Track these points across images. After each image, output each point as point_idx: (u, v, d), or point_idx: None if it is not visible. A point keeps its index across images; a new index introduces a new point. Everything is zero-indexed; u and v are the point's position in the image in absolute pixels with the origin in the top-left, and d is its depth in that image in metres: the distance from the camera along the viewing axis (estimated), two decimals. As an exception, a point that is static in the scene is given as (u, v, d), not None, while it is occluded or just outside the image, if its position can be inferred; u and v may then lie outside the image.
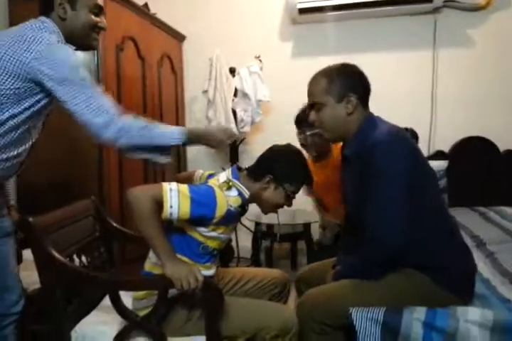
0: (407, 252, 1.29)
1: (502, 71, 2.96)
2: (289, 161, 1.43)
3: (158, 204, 1.22)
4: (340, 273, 1.45)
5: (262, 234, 2.93)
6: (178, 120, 3.32)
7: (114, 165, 2.40)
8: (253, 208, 3.32)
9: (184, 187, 1.27)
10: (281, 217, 2.90)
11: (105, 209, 2.15)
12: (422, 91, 3.06)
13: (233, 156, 3.26)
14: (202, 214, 1.28)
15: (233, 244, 3.14)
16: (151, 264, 1.40)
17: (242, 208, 1.42)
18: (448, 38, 3.01)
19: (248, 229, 3.22)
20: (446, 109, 3.05)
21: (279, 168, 1.40)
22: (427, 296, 1.30)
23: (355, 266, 1.39)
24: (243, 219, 3.21)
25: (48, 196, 2.31)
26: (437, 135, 3.06)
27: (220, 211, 1.29)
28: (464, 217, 2.47)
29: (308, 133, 2.06)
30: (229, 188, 1.35)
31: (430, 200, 1.36)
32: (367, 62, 3.07)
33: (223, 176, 1.41)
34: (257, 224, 2.94)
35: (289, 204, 1.47)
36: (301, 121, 2.10)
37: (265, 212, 1.54)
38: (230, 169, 1.45)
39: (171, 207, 1.23)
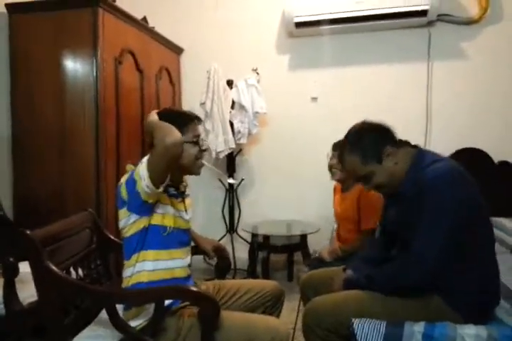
0: (439, 278, 1.30)
1: (495, 83, 3.00)
2: (162, 118, 1.42)
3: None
4: (353, 281, 1.45)
5: (258, 245, 2.94)
6: (176, 131, 3.34)
7: (111, 177, 2.41)
8: (249, 219, 3.34)
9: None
10: (278, 229, 2.92)
11: (102, 221, 2.17)
12: (417, 104, 3.10)
13: (230, 167, 3.28)
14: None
15: (230, 255, 3.14)
16: (128, 279, 1.41)
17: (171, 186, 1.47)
18: (442, 51, 3.06)
19: (245, 240, 3.23)
20: (441, 121, 3.09)
21: None
22: (435, 317, 1.29)
23: (372, 278, 1.38)
24: (240, 231, 3.23)
25: (45, 208, 2.34)
26: (432, 146, 3.08)
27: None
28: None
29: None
30: None
31: (479, 236, 1.35)
32: (363, 75, 3.19)
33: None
34: (254, 235, 2.95)
35: (204, 147, 1.50)
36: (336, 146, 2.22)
37: (197, 172, 1.52)
38: None
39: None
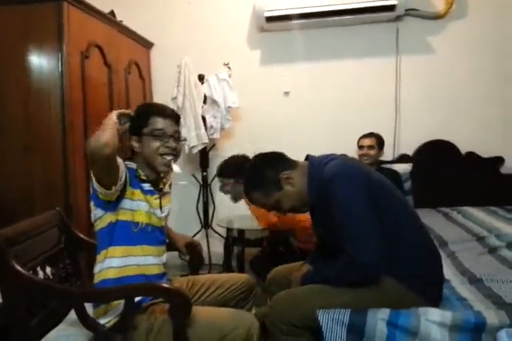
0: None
1: (461, 76, 3.08)
2: (136, 111, 1.47)
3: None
4: (310, 279, 1.47)
5: (233, 239, 2.94)
6: (148, 127, 3.30)
7: (80, 174, 2.36)
8: (224, 214, 3.33)
9: None
10: (251, 223, 2.92)
11: (72, 219, 2.13)
12: (386, 97, 3.15)
13: (203, 162, 3.27)
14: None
15: (204, 251, 3.13)
16: (97, 275, 1.40)
17: (146, 182, 1.46)
18: (410, 45, 3.11)
19: (220, 235, 3.22)
20: (410, 114, 3.15)
21: (132, 124, 1.44)
22: (396, 300, 1.32)
23: (327, 278, 1.40)
24: (214, 226, 3.22)
25: (11, 207, 2.27)
26: (401, 139, 3.15)
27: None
28: (428, 217, 2.54)
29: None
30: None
31: (397, 216, 1.38)
32: (333, 69, 3.21)
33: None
34: (229, 230, 2.95)
35: (169, 143, 1.44)
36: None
37: (160, 168, 1.46)
38: None
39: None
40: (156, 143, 1.43)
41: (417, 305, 1.30)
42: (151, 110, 1.46)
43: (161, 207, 1.51)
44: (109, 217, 1.37)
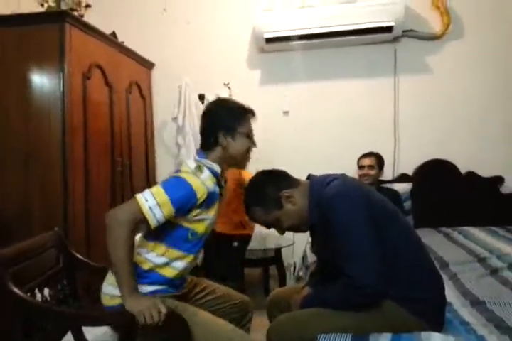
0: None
1: (458, 95, 3.11)
2: (221, 109, 1.47)
3: (140, 222, 1.28)
4: (310, 302, 1.44)
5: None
6: (148, 146, 3.32)
7: (80, 194, 2.36)
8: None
9: (160, 194, 1.30)
10: (252, 242, 2.90)
11: (70, 239, 2.12)
12: (385, 117, 3.17)
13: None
14: (185, 204, 1.32)
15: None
16: (107, 297, 1.39)
17: (219, 185, 1.47)
18: (407, 66, 3.16)
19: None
20: (409, 134, 3.16)
21: (221, 120, 1.45)
22: (398, 324, 1.30)
23: (327, 301, 1.38)
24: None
25: (11, 227, 2.26)
26: (401, 158, 3.16)
27: (200, 193, 1.34)
28: (428, 237, 2.53)
29: None
30: (201, 171, 1.40)
31: (397, 237, 1.36)
32: (331, 89, 3.25)
33: (191, 161, 1.45)
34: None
35: (254, 144, 1.51)
36: None
37: (244, 165, 1.55)
38: (195, 152, 1.51)
39: (158, 221, 1.29)
40: (248, 143, 1.48)
41: (419, 329, 1.28)
42: (247, 110, 1.50)
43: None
44: (174, 218, 1.36)
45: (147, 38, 3.40)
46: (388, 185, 2.89)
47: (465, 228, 2.69)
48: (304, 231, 1.56)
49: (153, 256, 1.39)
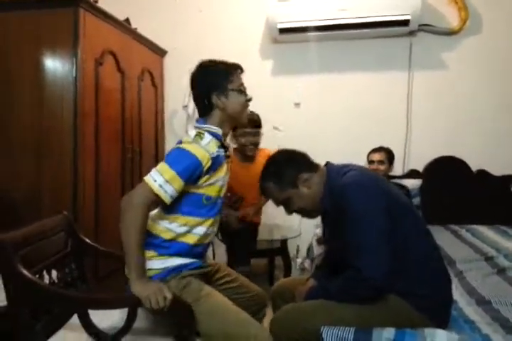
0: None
1: (474, 93, 3.07)
2: (207, 70, 1.49)
3: (155, 203, 1.32)
4: (314, 294, 1.44)
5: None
6: (158, 134, 3.32)
7: (90, 178, 2.38)
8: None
9: (166, 171, 1.31)
10: (259, 233, 2.91)
11: (79, 224, 2.13)
12: (398, 111, 3.14)
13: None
14: (192, 174, 1.34)
15: (209, 253, 3.11)
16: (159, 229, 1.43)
17: (223, 147, 1.48)
18: (423, 61, 3.11)
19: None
20: (421, 129, 3.13)
21: (210, 81, 1.46)
22: (402, 319, 1.30)
23: (331, 293, 1.38)
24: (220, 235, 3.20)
25: (21, 210, 2.28)
26: (412, 154, 3.13)
27: (204, 160, 1.35)
28: (436, 235, 2.45)
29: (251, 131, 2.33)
30: (201, 137, 1.41)
31: (409, 231, 1.36)
32: (345, 82, 3.21)
33: (191, 131, 1.47)
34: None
35: (249, 97, 1.52)
36: (249, 122, 2.25)
37: (245, 120, 1.57)
38: (195, 122, 1.52)
39: (171, 196, 1.32)
40: (243, 97, 1.48)
41: (423, 326, 1.28)
42: (232, 66, 1.50)
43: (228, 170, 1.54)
44: (185, 187, 1.37)
45: (160, 26, 3.38)
46: (398, 181, 2.87)
47: (473, 226, 2.68)
48: (313, 217, 1.56)
49: (176, 226, 1.41)
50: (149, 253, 1.38)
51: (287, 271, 2.86)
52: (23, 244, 1.36)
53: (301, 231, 2.89)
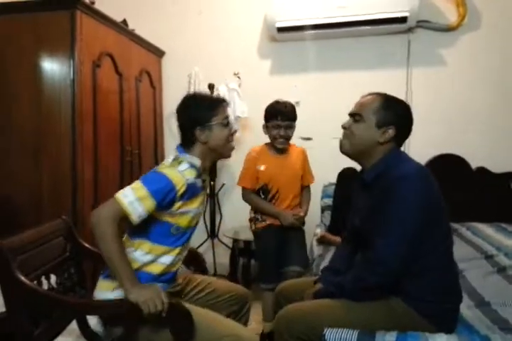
0: (399, 281, 1.31)
1: (473, 90, 3.05)
2: (191, 104, 1.47)
3: (124, 219, 1.28)
4: (323, 291, 1.45)
5: (239, 250, 2.92)
6: (157, 135, 3.32)
7: (89, 181, 2.38)
8: (231, 224, 3.32)
9: (139, 188, 1.31)
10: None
11: (78, 228, 2.13)
12: (397, 109, 3.12)
13: (211, 171, 3.26)
14: (165, 197, 1.32)
15: (210, 261, 3.12)
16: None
17: (200, 178, 1.47)
18: (421, 57, 3.10)
19: (226, 245, 3.21)
20: (420, 127, 3.07)
21: (193, 115, 1.45)
22: (405, 324, 1.30)
23: (342, 286, 1.39)
24: (221, 236, 3.21)
25: (20, 214, 2.29)
26: (411, 152, 3.10)
27: (179, 185, 1.34)
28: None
29: (285, 124, 2.24)
30: (179, 163, 1.41)
31: (438, 237, 1.36)
32: (344, 80, 3.20)
33: (170, 157, 1.47)
34: (235, 240, 2.94)
35: (233, 130, 1.52)
36: (283, 112, 2.23)
37: (227, 154, 1.55)
38: (176, 149, 1.50)
39: (139, 216, 1.29)
40: (226, 131, 1.48)
41: (427, 332, 1.28)
42: (217, 100, 1.50)
43: (203, 203, 1.53)
44: (157, 213, 1.36)
45: (158, 26, 3.38)
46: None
47: (473, 224, 2.66)
48: (344, 153, 1.55)
49: (140, 254, 1.39)
50: (114, 282, 1.35)
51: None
52: (21, 250, 1.36)
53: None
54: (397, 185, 1.30)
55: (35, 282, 1.36)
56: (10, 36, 2.33)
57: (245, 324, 1.63)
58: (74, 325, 1.29)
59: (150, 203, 1.29)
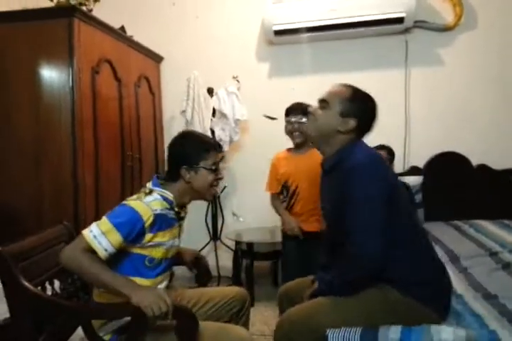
0: (384, 268, 1.32)
1: (471, 88, 3.06)
2: (184, 143, 1.48)
3: (91, 251, 1.26)
4: (318, 289, 1.46)
5: (242, 252, 2.93)
6: (157, 140, 3.33)
7: (90, 187, 2.39)
8: (233, 226, 3.33)
9: (104, 223, 1.30)
10: (261, 236, 2.91)
11: (79, 232, 2.14)
12: (396, 109, 3.13)
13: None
14: (132, 229, 1.30)
15: (213, 263, 3.12)
16: (98, 293, 1.40)
17: (173, 210, 1.45)
18: (419, 57, 3.11)
19: (229, 247, 3.21)
20: (420, 126, 3.12)
21: (183, 154, 1.45)
22: (404, 312, 1.32)
23: (331, 283, 1.40)
24: (223, 238, 3.21)
25: (21, 219, 2.30)
26: (412, 151, 3.12)
27: (146, 216, 1.32)
28: (439, 231, 2.51)
29: (295, 120, 2.31)
30: (148, 195, 1.40)
31: (406, 219, 1.41)
32: (341, 82, 3.19)
33: (143, 189, 1.46)
34: (237, 243, 2.94)
35: (220, 176, 1.52)
36: (295, 109, 2.35)
37: (208, 198, 1.54)
38: (152, 180, 1.49)
39: (106, 250, 1.27)
40: (211, 176, 1.47)
41: (425, 316, 1.30)
42: (207, 145, 1.49)
43: (179, 236, 1.52)
44: (127, 247, 1.35)
45: (156, 32, 3.40)
46: (399, 178, 2.86)
47: (476, 221, 2.65)
48: (306, 138, 1.64)
49: None
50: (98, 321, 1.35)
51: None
52: (24, 256, 1.36)
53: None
54: (352, 176, 1.35)
55: (39, 288, 1.37)
56: (8, 45, 2.35)
57: (247, 321, 1.63)
58: (80, 331, 1.29)
59: (116, 237, 1.27)
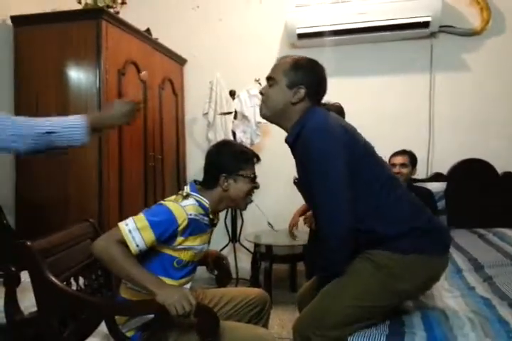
0: (359, 232, 1.32)
1: (497, 95, 3.01)
2: (225, 152, 1.49)
3: (124, 244, 1.28)
4: (316, 279, 1.48)
5: (260, 255, 2.92)
6: (179, 141, 3.37)
7: (114, 186, 2.43)
8: (252, 228, 3.32)
9: (141, 219, 1.31)
10: (280, 238, 2.90)
11: (104, 230, 2.17)
12: (420, 114, 3.10)
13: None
14: (166, 230, 1.32)
15: (232, 265, 3.12)
16: (125, 288, 1.42)
17: (207, 216, 1.46)
18: (444, 62, 3.08)
19: (248, 250, 3.21)
20: (444, 132, 3.08)
21: (223, 162, 1.46)
22: (398, 268, 1.31)
23: (321, 265, 1.41)
24: (242, 240, 3.21)
25: (47, 217, 2.34)
26: (435, 157, 3.08)
27: (181, 219, 1.34)
28: (462, 238, 2.47)
29: None
30: (185, 198, 1.41)
31: (368, 173, 1.39)
32: (365, 86, 3.19)
33: (180, 192, 1.47)
34: (256, 245, 2.94)
35: (257, 186, 1.53)
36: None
37: (243, 207, 1.56)
38: (188, 185, 1.51)
39: (137, 245, 1.29)
40: (249, 186, 1.49)
41: (424, 264, 1.31)
42: (248, 155, 1.51)
43: (209, 241, 1.53)
44: (159, 246, 1.37)
45: (180, 35, 3.44)
46: (422, 184, 2.83)
47: (500, 229, 2.61)
48: (264, 118, 1.56)
49: None
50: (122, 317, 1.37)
51: (309, 277, 2.84)
52: (50, 252, 1.39)
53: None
54: (309, 139, 1.35)
55: (64, 283, 1.39)
56: (37, 47, 2.41)
57: (266, 323, 1.64)
58: (103, 327, 1.30)
59: (150, 234, 1.29)
